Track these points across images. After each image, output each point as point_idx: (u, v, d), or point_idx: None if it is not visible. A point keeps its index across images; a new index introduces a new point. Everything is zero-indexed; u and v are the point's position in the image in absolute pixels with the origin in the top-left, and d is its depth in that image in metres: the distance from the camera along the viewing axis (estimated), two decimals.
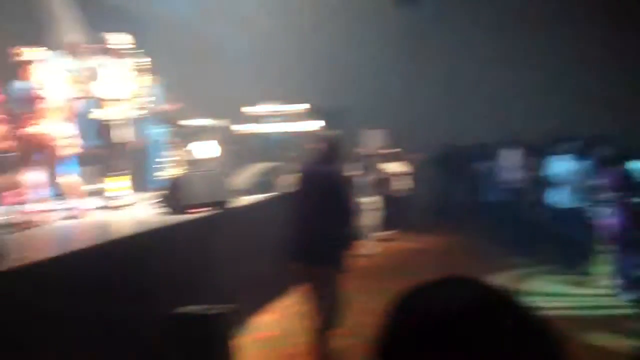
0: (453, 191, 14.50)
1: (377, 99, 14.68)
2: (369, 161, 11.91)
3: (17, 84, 6.79)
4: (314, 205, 5.34)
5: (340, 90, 13.75)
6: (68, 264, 4.64)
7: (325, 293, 5.35)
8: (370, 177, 11.45)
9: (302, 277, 5.51)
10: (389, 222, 12.09)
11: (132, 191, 7.71)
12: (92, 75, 7.54)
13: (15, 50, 6.74)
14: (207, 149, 9.51)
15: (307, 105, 11.94)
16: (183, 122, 9.19)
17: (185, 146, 9.28)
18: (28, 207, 6.52)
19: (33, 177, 6.58)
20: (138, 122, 7.96)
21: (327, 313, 5.38)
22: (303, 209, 5.45)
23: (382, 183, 11.98)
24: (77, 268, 4.67)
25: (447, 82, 15.51)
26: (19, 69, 6.75)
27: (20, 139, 6.64)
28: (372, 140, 13.05)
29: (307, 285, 5.48)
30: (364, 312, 6.59)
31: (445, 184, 14.83)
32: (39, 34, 7.85)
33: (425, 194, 13.94)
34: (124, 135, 7.63)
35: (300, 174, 5.76)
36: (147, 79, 7.96)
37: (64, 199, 7.24)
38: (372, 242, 11.14)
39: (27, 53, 6.72)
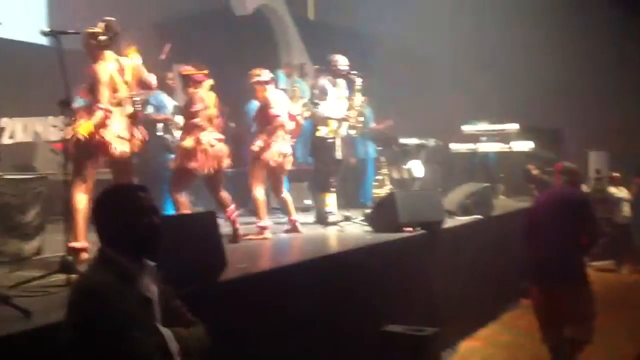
0: None
1: (593, 120, 13.81)
2: (586, 184, 11.23)
3: (253, 104, 7.18)
4: (556, 226, 5.47)
5: (555, 110, 13.12)
6: (283, 276, 4.82)
7: (571, 313, 5.38)
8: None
9: (541, 297, 5.58)
10: (605, 251, 11.27)
11: (344, 208, 7.82)
12: (316, 95, 7.80)
13: (253, 71, 7.14)
14: (421, 168, 9.49)
15: (517, 125, 11.56)
16: (400, 141, 9.25)
17: (399, 164, 9.34)
18: (262, 223, 6.81)
19: (258, 192, 6.89)
20: (352, 140, 8.13)
21: (572, 335, 5.30)
22: (543, 230, 5.57)
23: (602, 208, 11.19)
24: (291, 280, 4.82)
25: None
26: (255, 89, 7.14)
27: (254, 158, 6.99)
28: (590, 163, 12.31)
29: (547, 305, 5.53)
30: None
31: None
32: (270, 56, 8.26)
33: None
34: (341, 153, 7.81)
35: (540, 197, 6.11)
36: (360, 98, 8.09)
37: (282, 213, 7.52)
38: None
39: (262, 74, 7.10)
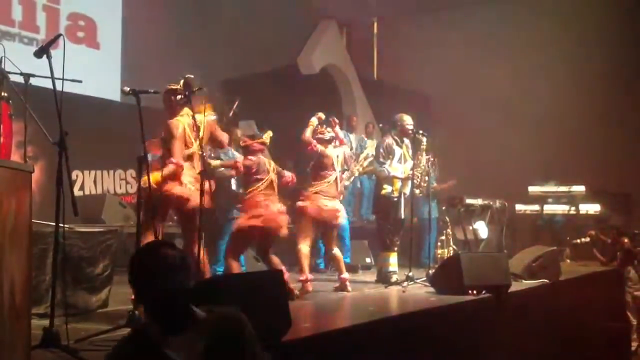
0: None
1: None
2: None
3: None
4: None
5: (623, 174, 12.77)
6: (347, 337, 4.76)
7: None
8: None
9: None
10: None
11: (406, 268, 7.72)
12: (382, 154, 7.81)
13: (317, 128, 7.20)
14: (485, 229, 9.36)
15: (584, 187, 11.33)
16: (466, 201, 9.15)
17: (463, 224, 9.24)
18: (303, 277, 6.74)
19: (302, 247, 6.87)
20: (415, 199, 8.08)
21: None
22: None
23: None
24: (354, 341, 4.75)
25: None
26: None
27: (301, 212, 7.00)
28: None
29: None
30: None
31: None
32: (336, 114, 8.33)
33: None
34: (403, 212, 7.76)
35: None
36: (425, 158, 8.07)
37: (333, 270, 7.47)
38: None
39: (326, 132, 7.17)
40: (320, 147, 7.06)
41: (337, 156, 7.27)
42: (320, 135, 7.16)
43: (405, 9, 14.78)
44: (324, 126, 7.26)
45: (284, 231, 6.47)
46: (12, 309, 2.75)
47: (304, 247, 6.89)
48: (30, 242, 3.02)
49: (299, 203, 7.01)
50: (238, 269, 6.34)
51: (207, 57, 11.75)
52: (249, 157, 6.48)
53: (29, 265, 2.98)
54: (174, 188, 5.19)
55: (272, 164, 6.59)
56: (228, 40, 12.35)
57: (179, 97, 5.26)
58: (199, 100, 5.54)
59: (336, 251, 7.23)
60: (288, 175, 6.73)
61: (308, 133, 7.04)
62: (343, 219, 7.40)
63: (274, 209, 6.37)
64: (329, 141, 7.20)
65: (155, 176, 5.04)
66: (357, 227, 10.39)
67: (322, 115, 7.13)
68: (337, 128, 7.40)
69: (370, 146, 9.89)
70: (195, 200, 5.11)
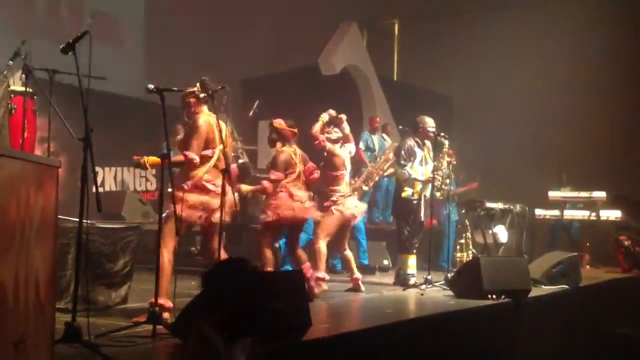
0: None
1: None
2: None
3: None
4: None
5: None
6: (366, 338, 4.73)
7: None
8: None
9: None
10: None
11: (424, 271, 7.69)
12: (403, 156, 7.76)
13: (326, 127, 7.18)
14: (505, 233, 9.31)
15: (605, 193, 11.23)
16: (486, 205, 9.10)
17: (482, 228, 9.18)
18: (316, 276, 6.62)
19: (322, 244, 6.82)
20: (435, 202, 8.03)
21: None
22: None
23: None
24: (373, 343, 4.74)
25: None
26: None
27: (330, 211, 6.95)
28: None
29: None
30: None
31: None
32: (356, 115, 8.33)
33: None
34: (423, 214, 7.73)
35: None
36: (446, 161, 8.02)
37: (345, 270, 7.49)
38: None
39: (333, 132, 7.14)
40: (328, 145, 7.03)
41: (346, 156, 7.25)
42: (327, 135, 7.12)
43: (426, 11, 14.77)
44: (331, 126, 7.19)
45: (316, 215, 6.51)
46: (36, 304, 2.76)
47: (323, 245, 6.82)
48: (56, 238, 3.03)
49: (329, 203, 6.93)
50: (272, 259, 6.31)
51: (227, 56, 11.79)
52: (282, 148, 6.44)
53: (53, 261, 2.98)
54: (195, 200, 5.02)
55: (298, 152, 6.52)
56: (248, 40, 12.38)
57: (201, 95, 5.16)
58: (221, 98, 5.50)
59: (348, 252, 7.22)
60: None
61: (317, 128, 7.00)
62: (360, 216, 7.37)
63: (301, 199, 6.34)
64: (336, 141, 7.13)
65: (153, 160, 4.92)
66: (374, 228, 10.36)
67: (333, 111, 7.09)
68: (345, 124, 7.27)
69: (389, 147, 9.85)
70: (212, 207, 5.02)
